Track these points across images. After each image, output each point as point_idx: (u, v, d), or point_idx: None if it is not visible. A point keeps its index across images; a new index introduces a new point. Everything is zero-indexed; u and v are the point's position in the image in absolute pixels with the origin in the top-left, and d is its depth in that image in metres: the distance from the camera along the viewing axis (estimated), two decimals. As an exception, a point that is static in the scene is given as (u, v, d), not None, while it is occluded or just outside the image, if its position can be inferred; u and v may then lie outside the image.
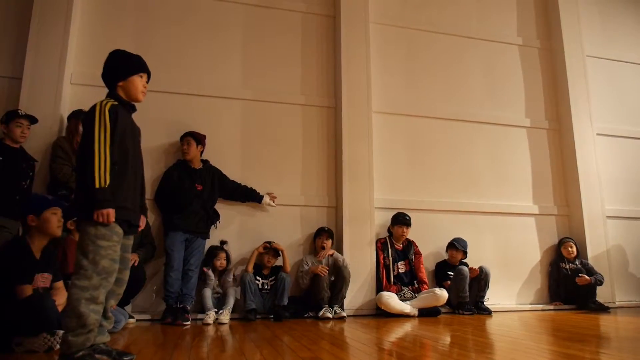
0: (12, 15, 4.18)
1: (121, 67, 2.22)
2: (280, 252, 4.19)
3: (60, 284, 2.74)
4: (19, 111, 3.61)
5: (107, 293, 2.05)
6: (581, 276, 4.81)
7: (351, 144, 4.67)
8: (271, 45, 4.88)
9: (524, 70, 5.72)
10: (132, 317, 3.72)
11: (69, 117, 3.86)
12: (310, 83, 4.93)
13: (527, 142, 5.53)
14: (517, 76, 5.69)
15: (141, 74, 2.25)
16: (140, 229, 2.30)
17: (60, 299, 2.59)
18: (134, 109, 2.26)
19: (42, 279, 2.62)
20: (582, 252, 5.15)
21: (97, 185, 1.95)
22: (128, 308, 3.79)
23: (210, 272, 3.97)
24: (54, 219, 2.59)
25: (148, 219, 4.02)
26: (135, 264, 3.61)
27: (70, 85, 4.13)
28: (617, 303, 5.10)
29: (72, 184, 3.48)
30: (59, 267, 2.85)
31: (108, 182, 1.97)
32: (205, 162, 4.26)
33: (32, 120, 3.64)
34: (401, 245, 4.62)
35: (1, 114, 3.60)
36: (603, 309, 4.73)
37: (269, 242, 4.17)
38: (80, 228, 2.03)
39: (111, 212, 1.97)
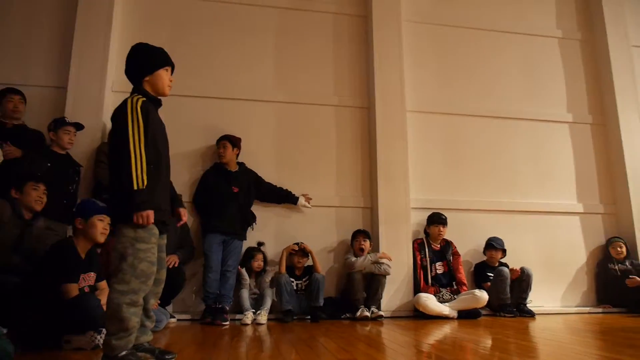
0: (57, 28, 4.38)
1: (147, 61, 2.15)
2: (309, 253, 4.19)
3: (104, 284, 2.83)
4: (66, 119, 3.78)
5: (147, 293, 2.05)
6: (631, 278, 4.58)
7: (385, 144, 4.63)
8: (303, 47, 4.91)
9: (565, 64, 5.51)
10: (173, 317, 3.80)
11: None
12: (343, 84, 4.92)
13: (569, 138, 5.33)
14: (558, 70, 5.48)
15: (167, 67, 2.18)
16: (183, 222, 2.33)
17: (105, 298, 2.67)
18: (160, 104, 2.21)
19: (88, 278, 2.73)
20: (632, 252, 4.90)
21: (135, 187, 1.90)
22: (169, 308, 3.88)
23: (244, 272, 4.01)
24: (100, 226, 2.68)
25: (187, 222, 4.15)
26: (176, 265, 3.70)
27: (112, 92, 4.29)
28: (671, 306, 4.82)
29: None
30: (103, 268, 2.96)
31: (146, 183, 1.92)
32: (241, 164, 4.32)
33: (79, 127, 3.80)
34: (438, 246, 4.55)
35: (49, 121, 3.78)
36: (656, 312, 4.48)
37: (297, 244, 4.18)
38: (117, 231, 1.98)
39: (150, 214, 1.94)
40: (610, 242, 4.97)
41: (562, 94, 5.43)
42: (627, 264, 4.79)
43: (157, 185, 2.04)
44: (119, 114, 2.02)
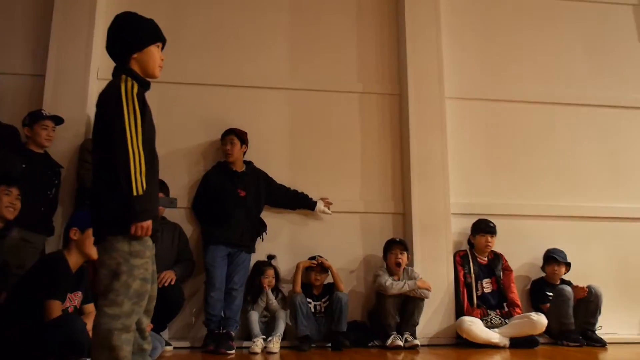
0: (33, 6, 4.44)
1: (136, 34, 2.09)
2: (328, 269, 4.16)
3: (91, 307, 2.88)
4: (43, 112, 3.82)
5: (138, 313, 2.04)
6: None
7: (420, 137, 4.60)
8: (321, 24, 4.90)
9: (642, 36, 5.37)
10: (170, 345, 3.81)
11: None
12: (369, 67, 4.91)
13: (649, 127, 5.19)
14: (633, 43, 5.34)
15: (158, 43, 2.15)
16: None
17: (91, 323, 2.71)
18: (149, 88, 2.14)
19: (74, 298, 2.80)
20: None
21: (134, 193, 1.88)
22: (165, 334, 3.88)
23: (269, 292, 4.00)
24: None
25: (185, 231, 4.18)
26: (172, 283, 3.71)
27: (97, 80, 4.33)
28: None
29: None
30: (90, 287, 2.99)
31: (145, 187, 1.91)
32: (248, 163, 4.32)
33: (58, 121, 3.83)
34: (486, 259, 4.48)
35: (24, 115, 3.81)
36: None
37: (315, 258, 4.16)
38: (106, 244, 1.94)
39: (151, 225, 1.93)
40: (699, 254, 4.83)
41: (639, 72, 5.30)
42: None
43: (152, 189, 2.01)
44: (109, 101, 1.97)
